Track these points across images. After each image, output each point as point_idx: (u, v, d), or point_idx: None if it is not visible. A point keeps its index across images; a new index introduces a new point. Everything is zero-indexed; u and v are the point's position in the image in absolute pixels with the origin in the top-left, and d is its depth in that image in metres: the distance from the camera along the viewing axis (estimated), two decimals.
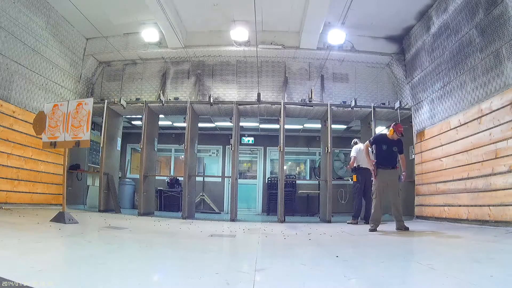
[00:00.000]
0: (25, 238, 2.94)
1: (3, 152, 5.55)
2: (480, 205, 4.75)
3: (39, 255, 2.32)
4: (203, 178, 9.80)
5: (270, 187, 9.28)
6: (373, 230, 4.58)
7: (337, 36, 6.98)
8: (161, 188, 9.14)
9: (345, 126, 9.47)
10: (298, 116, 7.84)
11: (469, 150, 5.08)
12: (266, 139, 10.44)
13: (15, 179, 5.80)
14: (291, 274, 2.11)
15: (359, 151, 6.27)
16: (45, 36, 6.53)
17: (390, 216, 4.91)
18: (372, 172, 4.91)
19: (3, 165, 5.55)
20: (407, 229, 4.63)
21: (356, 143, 6.60)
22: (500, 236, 3.65)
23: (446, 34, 5.82)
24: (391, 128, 4.99)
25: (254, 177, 10.68)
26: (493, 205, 4.48)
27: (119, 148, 8.13)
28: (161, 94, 7.40)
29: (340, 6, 5.80)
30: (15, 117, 5.85)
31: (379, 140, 5.02)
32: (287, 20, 7.08)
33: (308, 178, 10.77)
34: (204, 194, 9.74)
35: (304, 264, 2.41)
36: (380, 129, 8.06)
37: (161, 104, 7.21)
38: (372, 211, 4.76)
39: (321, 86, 7.75)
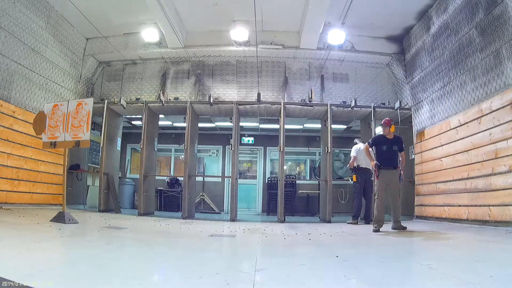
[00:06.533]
0: (25, 238, 2.94)
1: (3, 152, 5.55)
2: (480, 205, 4.75)
3: (39, 255, 2.32)
4: (203, 178, 9.80)
5: (270, 187, 9.27)
6: (377, 230, 4.56)
7: (337, 36, 6.98)
8: (161, 188, 9.14)
9: (345, 126, 9.47)
10: (298, 116, 7.84)
11: (469, 150, 5.08)
12: (266, 139, 10.44)
13: (15, 179, 5.80)
14: (291, 274, 2.10)
15: (359, 151, 6.27)
16: (45, 36, 6.53)
17: (390, 216, 4.92)
18: (374, 172, 4.91)
19: (3, 165, 5.55)
20: (404, 228, 4.64)
21: (356, 143, 6.60)
22: (500, 236, 3.65)
23: (446, 34, 5.82)
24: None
25: (254, 177, 10.68)
26: (493, 205, 4.48)
27: (119, 148, 8.14)
28: (161, 94, 7.39)
29: (340, 6, 5.80)
30: (15, 117, 5.85)
31: (379, 141, 5.02)
32: (287, 20, 7.08)
33: (308, 178, 10.77)
34: (204, 194, 9.73)
35: (304, 264, 2.41)
36: (380, 129, 8.05)
37: (161, 104, 7.21)
38: (375, 212, 4.74)
39: (321, 86, 7.75)
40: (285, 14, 6.86)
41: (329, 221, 6.46)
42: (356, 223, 6.00)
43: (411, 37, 7.11)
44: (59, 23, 6.90)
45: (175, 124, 9.48)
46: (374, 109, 7.01)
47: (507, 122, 4.30)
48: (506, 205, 4.25)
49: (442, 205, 5.75)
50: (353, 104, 7.03)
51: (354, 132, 9.50)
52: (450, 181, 5.54)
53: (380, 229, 4.62)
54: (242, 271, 2.18)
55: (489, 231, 4.11)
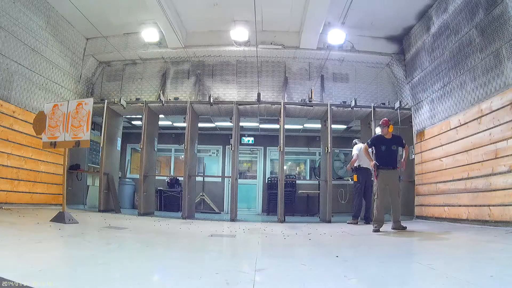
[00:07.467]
0: (25, 238, 2.94)
1: (3, 152, 5.55)
2: (480, 205, 4.75)
3: (39, 255, 2.32)
4: (203, 178, 9.79)
5: (270, 187, 9.27)
6: (377, 230, 4.57)
7: (337, 36, 6.97)
8: (161, 188, 9.14)
9: (345, 126, 9.47)
10: (298, 116, 7.84)
11: (469, 150, 5.08)
12: (266, 139, 10.44)
13: (15, 179, 5.80)
14: (291, 274, 2.11)
15: (360, 151, 6.27)
16: (45, 36, 6.53)
17: (390, 216, 4.92)
18: (373, 172, 4.91)
19: (3, 165, 5.54)
20: (404, 228, 4.64)
21: (356, 144, 6.60)
22: (500, 236, 3.65)
23: (446, 34, 5.82)
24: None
25: (254, 177, 10.68)
26: (493, 205, 4.48)
27: (119, 148, 8.13)
28: (161, 94, 7.40)
29: (340, 6, 5.80)
30: (15, 117, 5.84)
31: (377, 141, 5.01)
32: (287, 20, 7.08)
33: (308, 178, 10.77)
34: (204, 194, 9.73)
35: (304, 264, 2.41)
36: (379, 129, 8.07)
37: (161, 104, 7.21)
38: (375, 212, 4.75)
39: (321, 86, 7.75)
40: (285, 14, 6.86)
41: (329, 221, 6.46)
42: (356, 223, 6.00)
43: (411, 37, 7.11)
44: (59, 23, 6.90)
45: (175, 124, 9.48)
46: (374, 109, 7.00)
47: (507, 122, 4.30)
48: (506, 205, 4.25)
49: (442, 205, 5.75)
50: (353, 104, 7.03)
51: (354, 132, 9.50)
52: (450, 181, 5.54)
53: (380, 229, 4.62)
54: (242, 271, 2.18)
55: (489, 231, 4.10)
